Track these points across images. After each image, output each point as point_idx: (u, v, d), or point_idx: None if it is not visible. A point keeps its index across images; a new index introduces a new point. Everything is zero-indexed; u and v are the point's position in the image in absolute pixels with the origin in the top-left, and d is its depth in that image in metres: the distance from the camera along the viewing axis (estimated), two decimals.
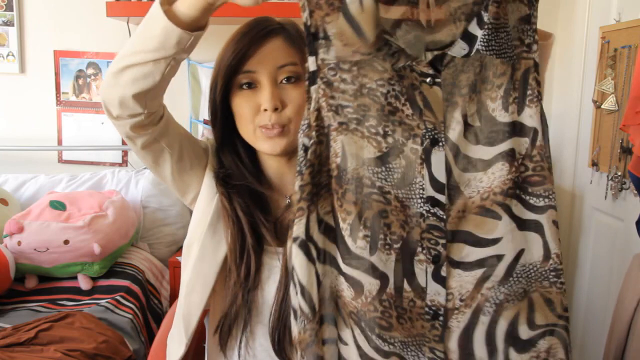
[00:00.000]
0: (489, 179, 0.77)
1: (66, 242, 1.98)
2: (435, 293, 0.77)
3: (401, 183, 0.77)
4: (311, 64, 0.75)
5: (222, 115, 1.00)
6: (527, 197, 0.78)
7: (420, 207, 0.77)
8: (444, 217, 0.77)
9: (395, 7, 0.76)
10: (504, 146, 0.76)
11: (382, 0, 0.75)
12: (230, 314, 0.96)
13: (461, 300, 0.77)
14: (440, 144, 0.76)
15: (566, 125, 2.39)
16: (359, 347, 0.77)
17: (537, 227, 0.80)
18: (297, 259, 0.74)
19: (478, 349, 0.77)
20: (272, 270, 0.97)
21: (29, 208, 2.12)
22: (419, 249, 0.77)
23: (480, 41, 0.75)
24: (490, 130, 0.77)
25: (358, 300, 0.76)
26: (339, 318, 0.79)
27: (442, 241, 0.77)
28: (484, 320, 0.77)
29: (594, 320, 2.18)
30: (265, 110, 0.93)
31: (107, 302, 1.90)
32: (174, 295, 2.20)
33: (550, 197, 0.80)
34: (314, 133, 0.75)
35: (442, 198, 0.77)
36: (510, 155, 0.76)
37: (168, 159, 0.97)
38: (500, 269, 0.77)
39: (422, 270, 0.77)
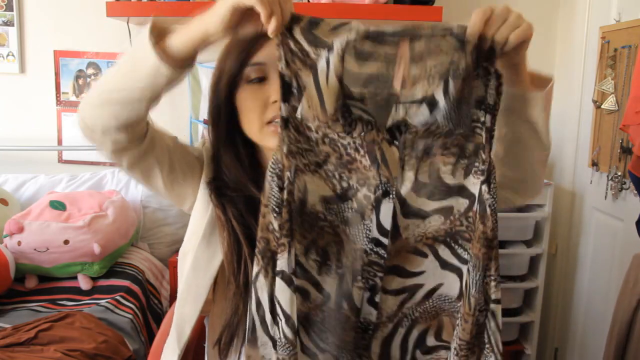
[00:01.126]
0: (425, 227, 0.86)
1: (66, 242, 1.98)
2: (368, 313, 0.88)
3: (351, 221, 0.85)
4: (283, 110, 0.80)
5: (225, 112, 0.97)
6: (455, 247, 0.87)
7: (365, 244, 0.86)
8: (385, 255, 0.86)
9: (370, 62, 0.78)
10: (445, 202, 0.85)
11: (358, 54, 0.78)
12: (232, 324, 0.95)
13: (387, 318, 0.89)
14: (391, 196, 0.84)
15: (566, 125, 2.39)
16: (301, 342, 0.86)
17: (458, 272, 0.88)
18: (282, 292, 0.80)
19: (394, 351, 0.91)
20: None
21: (29, 208, 2.12)
22: (359, 277, 0.86)
23: (441, 113, 0.80)
24: (435, 187, 0.84)
25: (305, 304, 0.85)
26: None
27: (380, 274, 0.86)
28: (401, 331, 0.91)
29: (594, 320, 2.18)
30: (275, 102, 0.90)
31: (107, 302, 1.90)
32: (174, 295, 2.20)
33: (470, 256, 0.86)
34: (287, 174, 0.81)
35: (385, 241, 0.85)
36: (448, 211, 0.85)
37: (158, 174, 0.94)
38: (420, 294, 0.89)
39: (359, 295, 0.87)
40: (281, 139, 0.80)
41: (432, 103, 0.79)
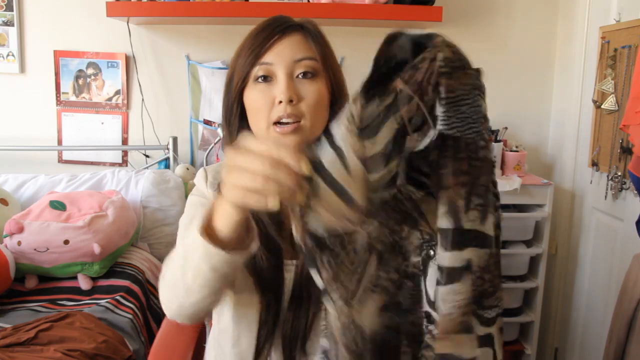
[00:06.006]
0: (460, 290, 0.68)
1: (66, 242, 1.98)
2: None
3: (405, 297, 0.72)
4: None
5: (237, 111, 0.97)
6: (482, 312, 0.71)
7: (423, 323, 0.72)
8: (436, 334, 0.71)
9: (381, 135, 0.66)
10: (466, 254, 0.68)
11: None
12: (261, 336, 0.95)
13: None
14: (433, 255, 0.71)
15: (566, 125, 2.39)
16: None
17: (489, 341, 0.74)
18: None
19: None
20: (287, 280, 0.96)
21: (29, 208, 2.12)
22: None
23: (441, 120, 0.65)
24: (459, 236, 0.67)
25: None
26: None
27: (431, 354, 0.72)
28: None
29: (594, 320, 2.18)
30: (280, 102, 0.90)
31: (107, 302, 1.90)
32: None
33: (499, 304, 0.73)
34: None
35: (435, 315, 0.70)
36: (470, 267, 0.68)
37: None
38: None
39: None
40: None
41: (434, 119, 0.68)
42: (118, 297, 1.94)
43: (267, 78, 0.92)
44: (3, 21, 2.44)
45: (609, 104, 1.97)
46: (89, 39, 2.47)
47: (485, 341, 0.72)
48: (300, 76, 0.92)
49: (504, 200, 2.18)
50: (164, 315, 1.99)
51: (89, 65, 2.49)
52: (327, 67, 0.95)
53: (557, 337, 2.48)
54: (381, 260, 0.70)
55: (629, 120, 1.59)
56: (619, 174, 1.94)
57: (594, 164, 2.12)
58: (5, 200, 2.23)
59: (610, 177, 2.00)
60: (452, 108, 0.65)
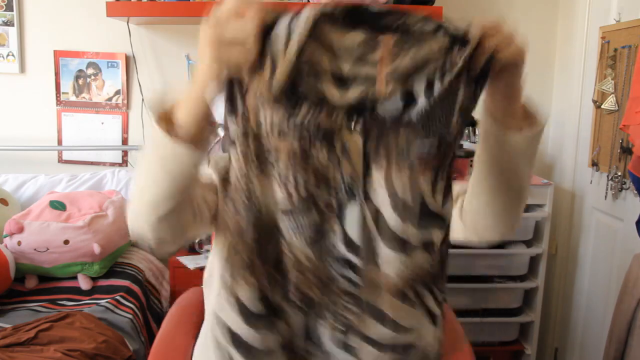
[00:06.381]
0: (411, 263, 0.72)
1: (66, 242, 1.98)
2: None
3: (311, 240, 0.71)
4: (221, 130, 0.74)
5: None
6: (435, 290, 0.76)
7: (331, 268, 0.72)
8: (357, 281, 0.72)
9: (353, 33, 0.69)
10: (428, 234, 0.72)
11: (343, 24, 0.69)
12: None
13: None
14: (356, 198, 0.71)
15: (566, 125, 2.39)
16: None
17: (433, 319, 0.78)
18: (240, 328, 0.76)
19: None
20: None
21: (29, 208, 2.12)
22: (327, 314, 0.73)
23: (418, 111, 0.68)
24: (423, 214, 0.71)
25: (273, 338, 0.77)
26: None
27: (355, 309, 0.73)
28: None
29: (594, 320, 2.18)
30: None
31: (107, 302, 1.90)
32: (174, 295, 2.20)
33: (444, 292, 0.77)
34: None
35: (354, 259, 0.71)
36: (431, 245, 0.73)
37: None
38: (413, 357, 0.76)
39: (330, 336, 0.74)
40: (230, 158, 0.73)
41: (408, 97, 0.69)
42: (118, 297, 1.94)
43: None
44: (3, 21, 2.44)
45: (609, 104, 1.97)
46: (89, 39, 2.47)
47: (433, 319, 0.77)
48: None
49: None
50: (164, 315, 1.99)
51: (89, 65, 2.49)
52: None
53: (557, 337, 2.48)
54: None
55: (629, 120, 1.59)
56: (619, 174, 1.94)
57: (594, 164, 2.12)
58: (5, 200, 2.23)
59: (610, 177, 2.00)
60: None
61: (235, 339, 0.77)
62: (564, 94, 2.41)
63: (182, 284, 2.14)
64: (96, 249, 1.98)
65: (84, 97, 2.51)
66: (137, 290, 2.04)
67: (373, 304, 0.73)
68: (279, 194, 0.72)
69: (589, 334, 2.21)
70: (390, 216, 0.71)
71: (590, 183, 2.18)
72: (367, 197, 0.71)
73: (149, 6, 2.18)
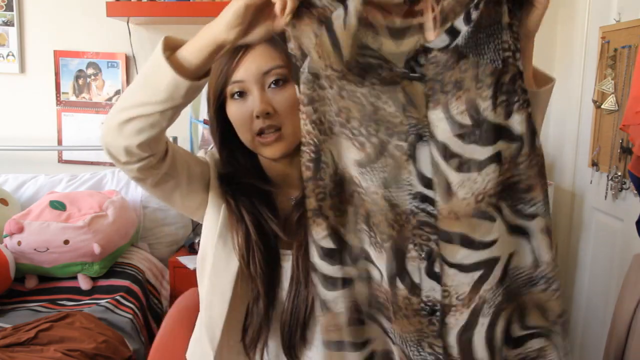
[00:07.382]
0: (483, 180, 0.75)
1: (66, 242, 1.98)
2: (430, 289, 0.78)
3: (388, 182, 0.77)
4: (297, 92, 0.80)
5: (219, 125, 0.99)
6: (514, 203, 0.78)
7: (410, 203, 0.77)
8: (434, 212, 0.77)
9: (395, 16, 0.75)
10: (494, 148, 0.75)
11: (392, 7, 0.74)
12: (253, 324, 0.96)
13: (458, 299, 0.78)
14: (425, 138, 0.77)
15: (566, 125, 2.39)
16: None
17: (524, 234, 0.79)
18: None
19: (479, 351, 0.78)
20: (285, 269, 0.98)
21: (29, 208, 2.12)
22: (411, 246, 0.78)
23: (463, 37, 0.73)
24: (484, 130, 0.75)
25: (362, 287, 0.83)
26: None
27: (434, 237, 0.77)
28: (483, 322, 0.78)
29: (594, 320, 2.18)
30: (258, 117, 0.92)
31: (107, 302, 1.90)
32: (174, 295, 2.20)
33: (537, 205, 0.78)
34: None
35: (430, 193, 0.77)
36: (499, 158, 0.76)
37: (178, 189, 0.95)
38: (497, 271, 0.77)
39: (415, 267, 0.78)
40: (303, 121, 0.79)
41: (454, 32, 0.74)
42: (118, 297, 1.94)
43: (242, 94, 0.94)
44: (3, 21, 2.44)
45: (609, 104, 1.97)
46: (89, 39, 2.47)
47: (520, 231, 0.78)
48: (272, 85, 0.93)
49: None
50: (164, 315, 1.99)
51: (89, 65, 2.49)
52: None
53: None
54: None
55: (629, 120, 1.59)
56: (619, 174, 1.94)
57: (594, 164, 2.12)
58: (5, 200, 2.23)
59: (610, 177, 2.00)
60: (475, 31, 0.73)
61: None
62: (564, 93, 2.41)
63: (182, 284, 2.14)
64: (96, 249, 1.98)
65: (84, 97, 2.51)
66: (137, 290, 2.04)
67: (453, 230, 0.77)
68: (353, 148, 0.78)
69: (589, 334, 2.21)
70: (455, 143, 0.76)
71: (590, 183, 2.18)
72: (432, 135, 0.77)
73: (149, 6, 2.18)
